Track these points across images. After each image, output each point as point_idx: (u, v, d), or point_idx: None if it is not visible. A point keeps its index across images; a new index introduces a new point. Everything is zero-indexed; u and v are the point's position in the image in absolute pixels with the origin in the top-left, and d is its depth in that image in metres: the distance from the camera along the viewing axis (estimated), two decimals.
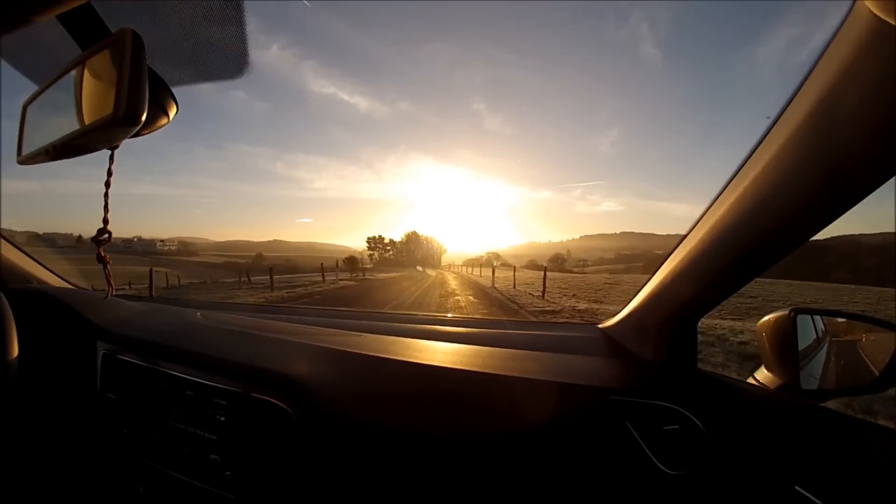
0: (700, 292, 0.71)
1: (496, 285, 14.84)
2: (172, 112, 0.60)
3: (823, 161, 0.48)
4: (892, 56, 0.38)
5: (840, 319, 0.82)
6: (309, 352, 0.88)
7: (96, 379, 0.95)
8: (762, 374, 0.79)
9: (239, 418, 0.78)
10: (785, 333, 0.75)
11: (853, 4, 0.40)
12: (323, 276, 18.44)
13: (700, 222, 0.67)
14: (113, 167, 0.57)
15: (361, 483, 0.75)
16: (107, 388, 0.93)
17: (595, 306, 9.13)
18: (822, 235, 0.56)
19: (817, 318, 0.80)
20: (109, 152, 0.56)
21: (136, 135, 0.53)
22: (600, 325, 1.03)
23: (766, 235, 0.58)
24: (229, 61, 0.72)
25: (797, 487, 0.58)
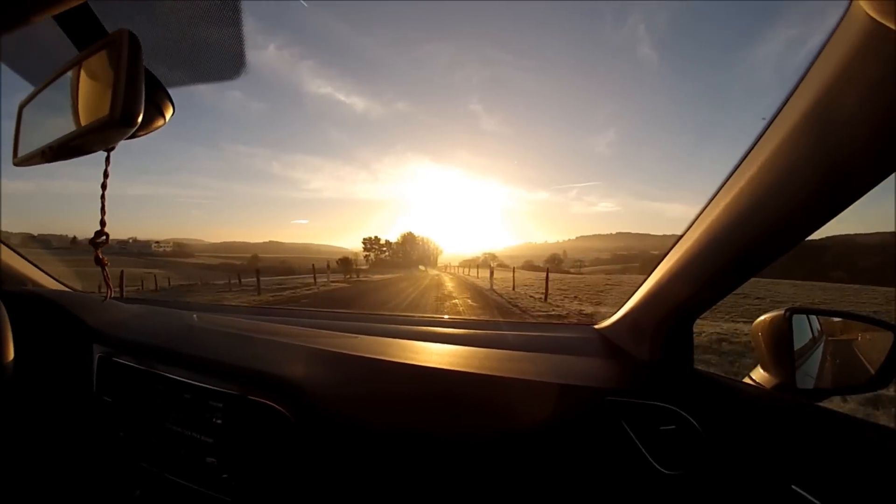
0: (696, 292, 0.72)
1: (494, 287, 14.75)
2: (169, 113, 0.60)
3: (819, 161, 0.48)
4: (888, 57, 0.38)
5: (836, 319, 0.82)
6: (305, 354, 0.87)
7: (92, 382, 0.95)
8: (758, 374, 0.79)
9: (235, 421, 0.78)
10: (781, 333, 0.75)
11: (849, 6, 0.41)
12: (314, 278, 18.11)
13: (696, 222, 0.68)
14: (109, 168, 0.56)
15: (358, 485, 0.74)
16: (103, 392, 0.93)
17: (602, 309, 8.95)
18: (817, 235, 0.56)
19: (813, 317, 0.80)
20: (105, 154, 0.55)
21: (133, 136, 0.53)
22: (596, 326, 1.03)
23: (761, 235, 0.58)
24: (226, 62, 0.72)
25: (794, 486, 0.58)
